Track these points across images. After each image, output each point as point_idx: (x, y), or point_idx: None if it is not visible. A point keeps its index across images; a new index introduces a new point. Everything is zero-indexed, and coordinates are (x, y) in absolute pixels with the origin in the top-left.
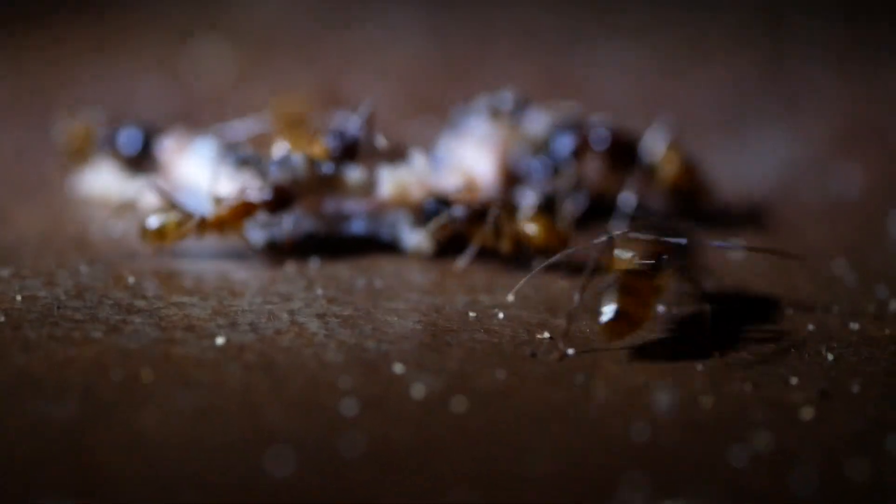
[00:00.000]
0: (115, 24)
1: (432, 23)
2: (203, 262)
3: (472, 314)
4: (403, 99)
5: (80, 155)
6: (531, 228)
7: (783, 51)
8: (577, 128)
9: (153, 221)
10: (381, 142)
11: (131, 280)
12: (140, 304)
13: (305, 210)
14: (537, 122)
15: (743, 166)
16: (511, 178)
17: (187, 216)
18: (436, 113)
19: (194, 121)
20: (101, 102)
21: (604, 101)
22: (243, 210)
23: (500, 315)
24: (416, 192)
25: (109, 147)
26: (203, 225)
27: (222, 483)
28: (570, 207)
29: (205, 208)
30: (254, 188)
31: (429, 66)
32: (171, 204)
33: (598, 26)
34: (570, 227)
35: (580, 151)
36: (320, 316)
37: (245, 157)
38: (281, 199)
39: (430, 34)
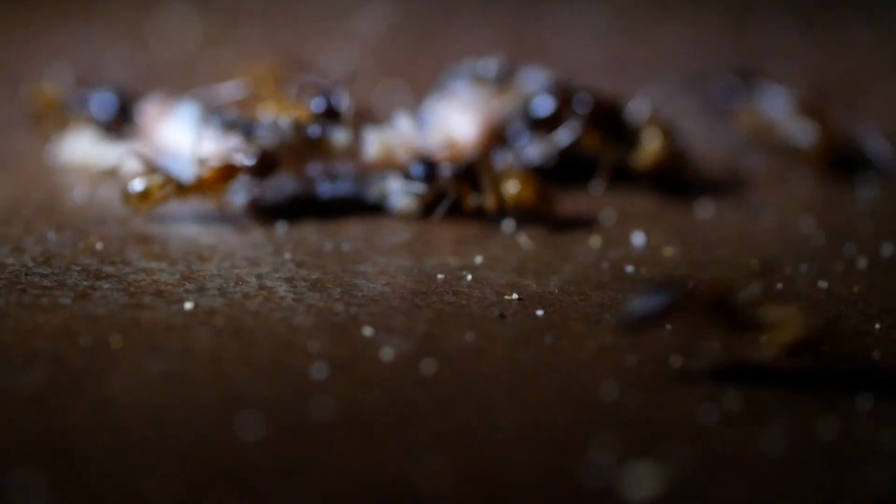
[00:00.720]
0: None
1: None
2: (171, 228)
3: (440, 276)
4: (370, 64)
5: (52, 121)
6: (514, 186)
7: (749, 10)
8: (559, 90)
9: (137, 185)
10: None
11: (99, 246)
12: (108, 269)
13: (290, 173)
14: (531, 84)
15: (708, 127)
16: (499, 140)
17: (170, 179)
18: (402, 77)
19: (162, 86)
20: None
21: (569, 64)
22: (227, 173)
23: (469, 277)
24: (402, 154)
25: (82, 111)
26: (186, 187)
27: (193, 447)
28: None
29: (188, 172)
30: (239, 151)
31: (394, 32)
32: (153, 167)
33: None
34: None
35: (560, 113)
36: (289, 280)
37: (231, 120)
38: (266, 164)
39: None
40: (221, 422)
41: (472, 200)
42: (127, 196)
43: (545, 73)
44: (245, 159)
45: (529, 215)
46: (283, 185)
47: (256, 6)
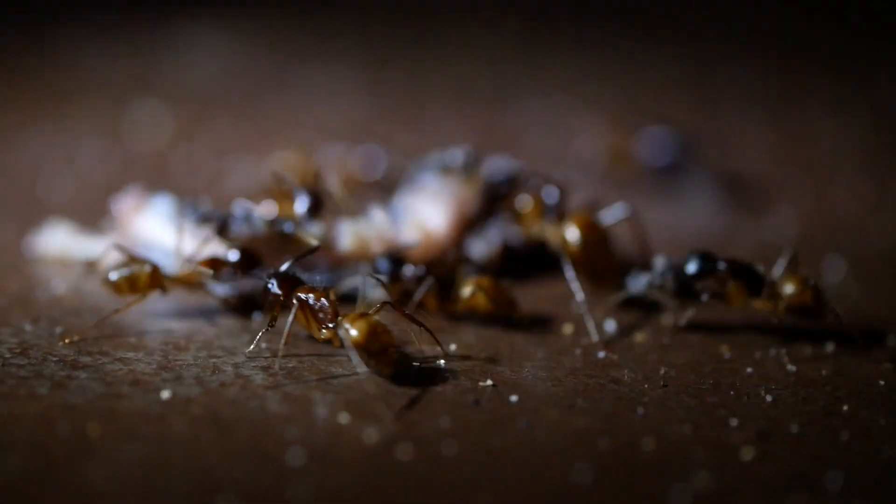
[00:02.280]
0: (54, 91)
1: (369, 81)
2: (148, 318)
3: (415, 364)
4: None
5: None
6: (474, 296)
7: (715, 102)
8: (511, 179)
9: (122, 273)
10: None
11: (76, 337)
12: (85, 360)
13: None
14: (495, 173)
15: (677, 213)
16: (470, 229)
17: (156, 269)
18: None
19: (137, 180)
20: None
21: (538, 154)
22: (213, 267)
23: (443, 364)
24: (376, 246)
25: None
26: (172, 279)
27: None
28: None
29: (167, 263)
30: (223, 248)
31: (367, 123)
32: (140, 259)
33: (531, 81)
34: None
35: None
36: (265, 368)
37: (205, 213)
38: (250, 259)
39: (366, 92)
40: None
41: (433, 304)
42: (113, 285)
43: (510, 162)
44: (230, 255)
45: (491, 318)
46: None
47: (227, 101)
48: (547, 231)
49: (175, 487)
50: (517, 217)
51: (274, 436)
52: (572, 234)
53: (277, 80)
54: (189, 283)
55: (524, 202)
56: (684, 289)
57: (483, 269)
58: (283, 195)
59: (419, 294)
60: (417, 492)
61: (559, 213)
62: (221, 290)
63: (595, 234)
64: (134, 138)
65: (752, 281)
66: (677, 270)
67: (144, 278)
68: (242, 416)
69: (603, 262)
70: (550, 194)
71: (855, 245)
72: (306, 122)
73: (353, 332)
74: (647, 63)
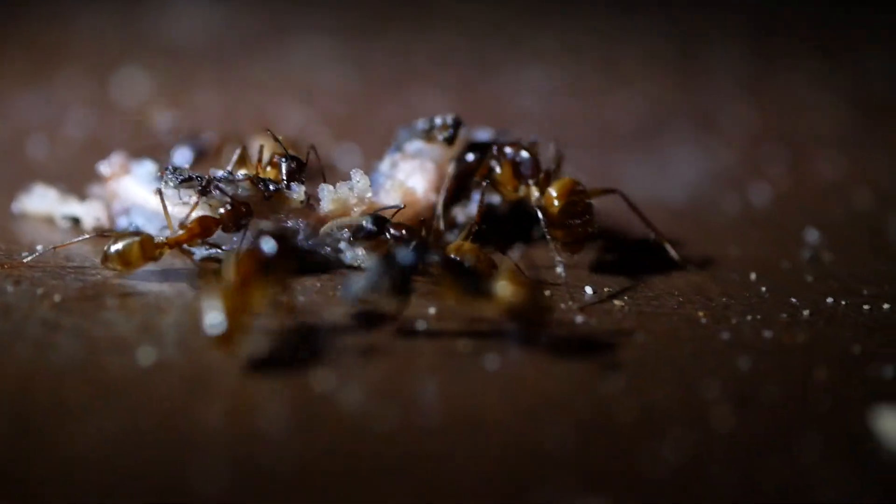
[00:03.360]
0: (39, 58)
1: (352, 52)
2: (130, 281)
3: (395, 327)
4: (325, 125)
5: None
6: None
7: (696, 75)
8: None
9: (116, 246)
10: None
11: (57, 298)
12: (66, 322)
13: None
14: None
15: (659, 184)
16: (455, 196)
17: (149, 238)
18: (357, 139)
19: (123, 145)
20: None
21: (519, 125)
22: (205, 227)
23: (423, 327)
24: (357, 209)
25: None
26: (164, 244)
27: (148, 497)
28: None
29: (151, 227)
30: (212, 207)
31: (349, 94)
32: (128, 233)
33: (512, 54)
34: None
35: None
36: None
37: (188, 176)
38: (239, 215)
39: (350, 63)
40: (179, 474)
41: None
42: (107, 257)
43: (492, 132)
44: (221, 210)
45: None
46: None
47: (211, 70)
48: (526, 194)
49: (154, 453)
50: (495, 183)
51: (254, 399)
52: (554, 200)
53: (263, 49)
54: (181, 245)
55: (499, 167)
56: None
57: (466, 234)
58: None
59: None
60: (395, 457)
61: (539, 177)
62: (200, 253)
63: (576, 202)
64: (119, 104)
65: None
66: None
67: (137, 250)
68: (222, 379)
69: (582, 228)
70: (524, 159)
71: (831, 214)
72: (291, 93)
73: None
74: (629, 35)
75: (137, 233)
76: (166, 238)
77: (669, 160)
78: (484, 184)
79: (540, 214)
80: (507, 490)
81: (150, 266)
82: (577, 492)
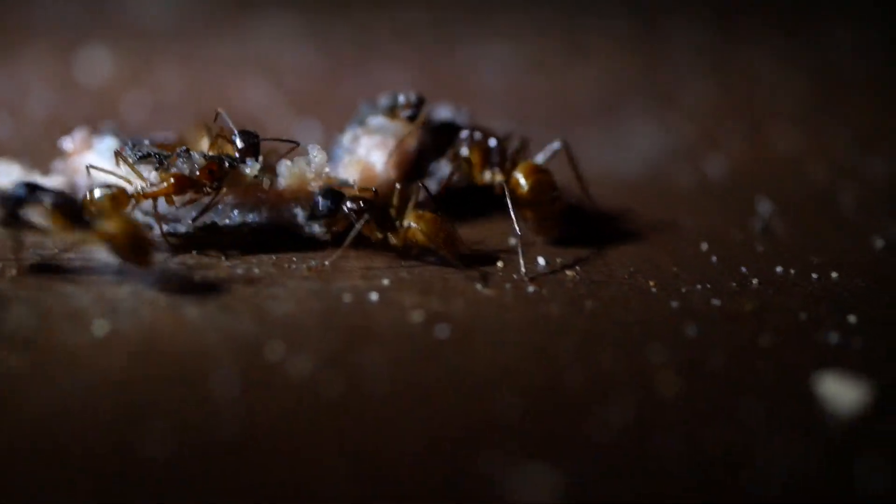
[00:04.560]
0: (5, 37)
1: (315, 28)
2: (88, 255)
3: (347, 298)
4: (288, 102)
5: None
6: (415, 226)
7: (659, 51)
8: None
9: (98, 193)
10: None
11: (13, 272)
12: (22, 293)
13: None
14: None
15: (617, 158)
16: (413, 171)
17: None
18: (318, 114)
19: (86, 121)
20: None
21: (482, 100)
22: (179, 185)
23: (376, 298)
24: (314, 184)
25: None
26: (140, 195)
27: (100, 465)
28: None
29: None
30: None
31: (312, 70)
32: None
33: (474, 28)
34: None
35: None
36: (200, 303)
37: (146, 152)
38: (215, 175)
39: (312, 39)
40: (130, 439)
41: (375, 235)
42: (90, 203)
43: (455, 108)
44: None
45: (433, 252)
46: (196, 214)
47: (171, 48)
48: (492, 179)
49: (106, 420)
50: (464, 165)
51: (205, 368)
52: (521, 182)
53: (227, 25)
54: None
55: (467, 151)
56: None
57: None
58: (223, 134)
59: (357, 227)
60: (345, 423)
61: (503, 162)
62: (164, 227)
63: (543, 180)
64: (82, 81)
65: None
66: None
67: (110, 201)
68: (175, 349)
69: (551, 207)
70: (493, 146)
71: (785, 186)
72: (252, 69)
73: None
74: (593, 11)
75: (112, 184)
76: (140, 190)
77: (629, 134)
78: (455, 163)
79: (509, 200)
80: (452, 455)
81: None
82: (522, 457)
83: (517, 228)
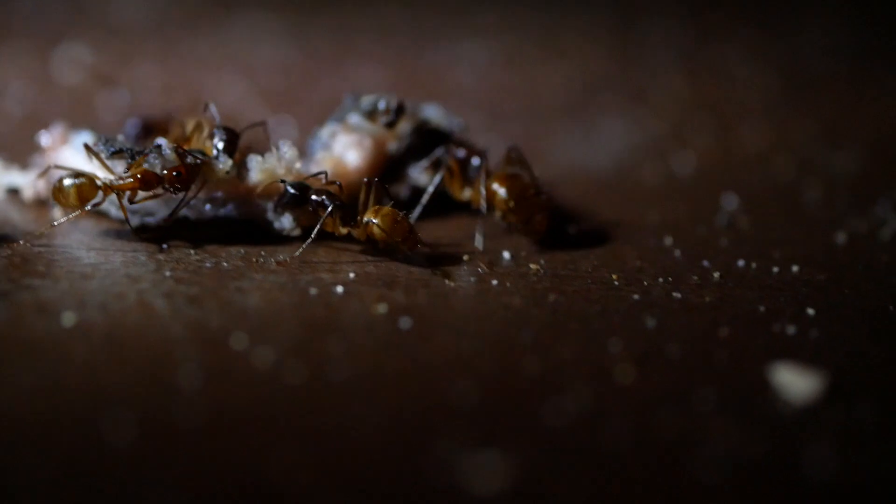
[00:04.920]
0: None
1: (293, 26)
2: (56, 248)
3: (313, 291)
4: (265, 98)
5: None
6: (376, 221)
7: (631, 47)
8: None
9: (67, 182)
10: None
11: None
12: None
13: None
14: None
15: (587, 154)
16: (390, 173)
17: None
18: (293, 112)
19: (62, 117)
20: None
21: (456, 97)
22: (145, 181)
23: (340, 290)
24: (284, 179)
25: None
26: (107, 188)
27: (65, 454)
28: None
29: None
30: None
31: (289, 68)
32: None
33: (449, 27)
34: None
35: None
36: (167, 295)
37: (118, 147)
38: (181, 178)
39: (290, 37)
40: (95, 429)
41: (339, 230)
42: (59, 191)
43: (447, 114)
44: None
45: (395, 247)
46: (167, 208)
47: (150, 45)
48: (470, 195)
49: (70, 410)
50: (446, 179)
51: (171, 360)
52: (500, 191)
53: (205, 23)
54: (121, 193)
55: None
56: None
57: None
58: (198, 130)
59: (321, 219)
60: (306, 414)
61: (479, 176)
62: (134, 219)
63: (521, 186)
64: (59, 78)
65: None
66: None
67: (75, 191)
68: (141, 342)
69: (535, 208)
70: (473, 162)
71: (751, 182)
72: (230, 66)
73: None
74: (568, 8)
75: (81, 173)
76: (109, 182)
77: (599, 131)
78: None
79: (497, 212)
80: (407, 441)
81: (78, 235)
82: (477, 443)
83: (483, 209)
